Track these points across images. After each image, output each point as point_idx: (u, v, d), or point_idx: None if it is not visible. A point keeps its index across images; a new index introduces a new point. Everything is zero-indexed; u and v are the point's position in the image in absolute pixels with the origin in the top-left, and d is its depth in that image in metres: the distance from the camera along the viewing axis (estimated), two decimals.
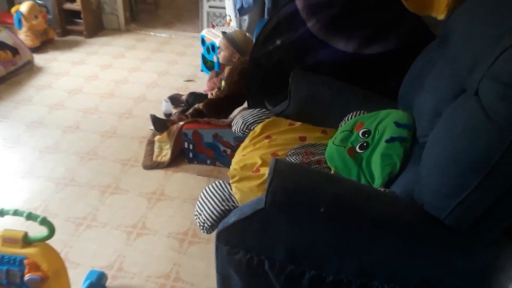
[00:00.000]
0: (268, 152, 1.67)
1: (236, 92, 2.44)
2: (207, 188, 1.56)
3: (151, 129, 2.77)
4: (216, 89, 2.80)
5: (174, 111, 2.98)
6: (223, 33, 2.69)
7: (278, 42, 1.89)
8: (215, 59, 3.39)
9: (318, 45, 1.83)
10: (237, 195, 1.48)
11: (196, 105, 2.64)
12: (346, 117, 1.81)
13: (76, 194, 2.23)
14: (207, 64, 3.61)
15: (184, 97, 3.00)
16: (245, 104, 2.38)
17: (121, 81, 3.46)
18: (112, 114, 2.98)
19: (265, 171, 1.54)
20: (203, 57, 3.60)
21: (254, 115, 1.87)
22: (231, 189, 1.52)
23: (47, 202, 2.17)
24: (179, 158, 2.53)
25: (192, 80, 3.53)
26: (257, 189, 1.48)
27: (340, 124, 1.83)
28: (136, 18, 4.81)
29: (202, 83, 3.48)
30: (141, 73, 3.61)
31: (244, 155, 1.69)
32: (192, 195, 2.26)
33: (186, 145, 2.44)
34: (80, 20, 4.20)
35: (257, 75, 2.03)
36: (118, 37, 4.37)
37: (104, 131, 2.79)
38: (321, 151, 1.70)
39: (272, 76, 2.00)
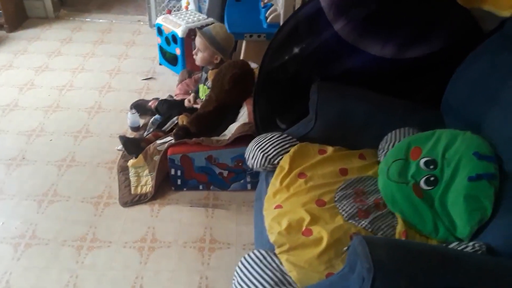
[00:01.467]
0: (311, 200, 1.30)
1: (228, 103, 2.00)
2: (246, 265, 1.17)
3: (118, 149, 2.27)
4: (192, 94, 2.33)
5: (141, 121, 2.48)
6: (199, 29, 2.19)
7: (296, 50, 1.48)
8: (177, 52, 2.87)
9: (347, 51, 1.45)
10: (293, 274, 1.11)
11: (175, 119, 2.16)
12: (388, 136, 1.48)
13: (40, 258, 1.73)
14: (167, 57, 3.07)
15: (151, 104, 2.49)
16: (243, 116, 1.95)
17: (65, 87, 2.83)
18: (64, 134, 2.40)
19: (321, 232, 1.18)
20: (161, 48, 3.06)
21: (275, 144, 1.47)
22: (281, 263, 1.15)
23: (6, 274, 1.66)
24: (163, 184, 2.08)
25: (152, 78, 2.99)
26: (318, 262, 1.12)
27: (381, 145, 1.49)
28: (65, 1, 4.04)
29: (164, 80, 2.96)
30: (87, 74, 2.98)
31: (281, 206, 1.30)
32: (190, 235, 1.84)
33: (172, 171, 1.99)
34: None
35: (267, 90, 1.61)
36: (48, 28, 3.62)
37: (59, 159, 2.22)
38: (372, 188, 1.36)
39: (287, 91, 1.61)
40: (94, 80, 2.91)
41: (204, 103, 2.06)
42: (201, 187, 2.06)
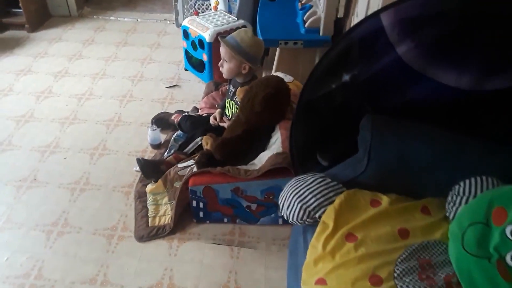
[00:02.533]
0: (364, 275, 1.02)
1: (259, 126, 1.72)
2: None
3: (137, 171, 2.04)
4: (218, 110, 2.06)
5: (163, 137, 2.24)
6: (222, 37, 1.93)
7: (346, 77, 1.18)
8: (204, 58, 2.62)
9: (410, 79, 1.13)
10: None
11: (199, 140, 1.91)
12: (461, 187, 1.16)
13: None
14: (192, 61, 2.83)
15: (174, 119, 2.25)
16: (276, 144, 1.67)
17: (84, 95, 2.63)
18: (80, 151, 2.19)
19: None
20: (187, 53, 2.81)
21: (316, 192, 1.18)
22: None
23: None
24: (183, 214, 1.83)
25: (176, 85, 2.75)
26: None
27: (450, 197, 1.19)
28: None
29: (190, 88, 2.71)
30: (108, 81, 2.77)
31: (324, 282, 1.03)
32: (212, 280, 1.59)
33: (194, 203, 1.75)
34: (19, 10, 3.24)
35: (307, 121, 1.33)
36: (70, 28, 3.44)
37: (73, 181, 2.02)
38: (441, 259, 1.06)
39: (331, 122, 1.32)
40: (115, 88, 2.70)
41: (231, 125, 1.79)
42: (226, 220, 1.81)
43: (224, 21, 2.62)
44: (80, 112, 2.48)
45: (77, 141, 2.26)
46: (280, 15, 2.43)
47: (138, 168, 2.04)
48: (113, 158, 2.17)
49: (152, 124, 2.27)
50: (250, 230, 1.80)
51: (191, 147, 1.94)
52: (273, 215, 1.78)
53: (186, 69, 2.89)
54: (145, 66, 2.95)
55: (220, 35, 2.01)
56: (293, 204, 1.21)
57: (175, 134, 2.24)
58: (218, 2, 2.79)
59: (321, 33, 2.21)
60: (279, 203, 1.28)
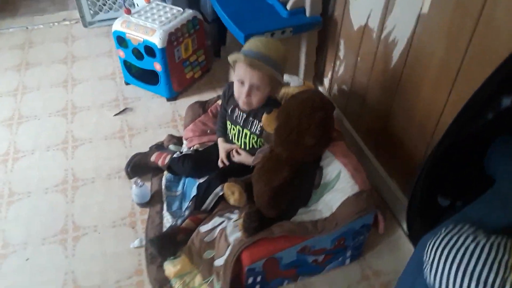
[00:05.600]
0: None
1: (307, 160, 1.28)
2: None
3: (136, 247, 1.51)
4: (222, 144, 1.56)
5: (148, 185, 1.68)
6: (247, 57, 1.30)
7: (507, 101, 0.81)
8: (158, 68, 2.01)
9: None
10: None
11: (219, 191, 1.42)
12: None
13: None
14: (134, 72, 2.20)
15: (156, 161, 1.69)
16: (343, 179, 1.25)
17: (3, 157, 1.89)
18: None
19: None
20: (125, 63, 2.16)
21: (490, 262, 0.85)
22: None
23: None
24: None
25: (127, 109, 2.11)
26: None
27: None
28: None
29: (145, 108, 2.10)
30: (30, 126, 2.00)
31: None
32: None
33: (250, 280, 1.31)
34: None
35: (442, 166, 0.94)
36: None
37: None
38: None
39: (469, 164, 0.96)
40: (46, 134, 1.97)
41: (265, 165, 1.32)
42: (286, 282, 1.41)
43: (169, 15, 2.02)
44: (14, 171, 1.77)
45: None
46: (245, 1, 1.92)
47: (138, 244, 1.51)
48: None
49: (130, 177, 1.70)
50: (317, 284, 1.43)
51: (210, 201, 1.44)
52: (340, 258, 1.42)
53: (127, 83, 2.25)
54: (72, 92, 2.23)
55: (243, 57, 1.31)
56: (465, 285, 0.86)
57: (164, 181, 1.70)
58: None
59: (308, 14, 1.77)
60: (427, 281, 0.92)
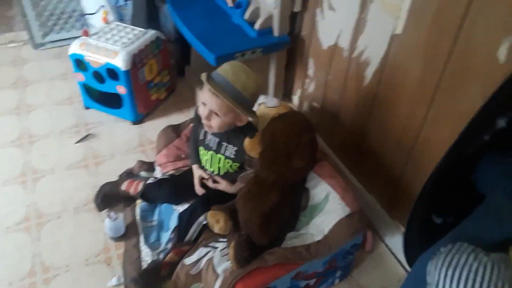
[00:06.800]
0: None
1: (294, 183, 1.24)
2: None
3: (114, 286, 1.39)
4: (197, 171, 1.48)
5: (121, 215, 1.56)
6: (209, 80, 1.26)
7: (502, 122, 0.81)
8: (121, 91, 1.90)
9: None
10: None
11: (202, 219, 1.34)
12: None
13: None
14: (93, 95, 2.06)
15: (127, 189, 1.57)
16: (332, 201, 1.23)
17: None
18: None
19: None
20: (85, 86, 2.02)
21: (495, 281, 0.86)
22: None
23: None
24: None
25: (89, 135, 1.97)
26: None
27: None
28: None
29: (109, 134, 1.98)
30: None
31: None
32: None
33: None
34: None
35: (437, 187, 0.94)
36: None
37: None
38: None
39: (460, 182, 0.96)
40: (1, 167, 1.79)
41: (252, 191, 1.27)
42: None
43: (131, 36, 1.92)
44: None
45: None
46: (210, 19, 1.86)
47: (116, 282, 1.39)
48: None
49: (100, 209, 1.58)
50: None
51: (193, 231, 1.36)
52: (330, 279, 1.40)
53: (87, 107, 2.11)
54: (26, 119, 2.05)
55: (206, 81, 1.26)
56: None
57: (139, 210, 1.59)
58: (107, 12, 2.03)
59: (276, 33, 1.76)
60: None
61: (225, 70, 1.29)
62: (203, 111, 1.32)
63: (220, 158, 1.44)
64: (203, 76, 1.28)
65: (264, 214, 1.21)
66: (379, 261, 1.50)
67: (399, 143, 1.40)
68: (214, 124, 1.31)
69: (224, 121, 1.30)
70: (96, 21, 2.20)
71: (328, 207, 1.25)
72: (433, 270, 0.94)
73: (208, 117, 1.31)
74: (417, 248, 1.09)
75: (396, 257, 1.51)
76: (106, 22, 2.01)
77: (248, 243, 1.20)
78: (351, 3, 1.43)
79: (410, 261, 1.13)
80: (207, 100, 1.29)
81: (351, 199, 1.24)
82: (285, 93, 2.02)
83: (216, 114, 1.29)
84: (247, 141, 1.28)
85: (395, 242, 1.51)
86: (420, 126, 1.29)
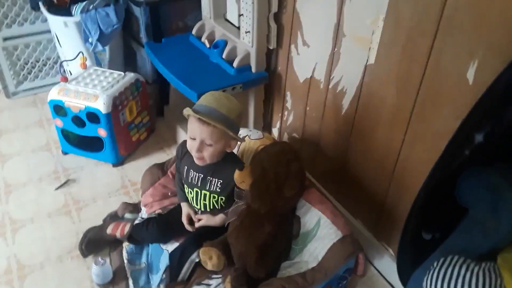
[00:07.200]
0: None
1: (285, 211, 1.26)
2: None
3: None
4: (186, 208, 1.47)
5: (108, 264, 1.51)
6: (196, 111, 1.28)
7: (479, 137, 0.87)
8: (102, 133, 1.90)
9: None
10: None
11: (195, 257, 1.32)
12: None
13: None
14: (71, 140, 2.04)
15: (113, 233, 1.54)
16: (323, 227, 1.23)
17: None
18: None
19: None
20: (64, 132, 2.00)
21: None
22: None
23: None
24: None
25: (69, 180, 1.93)
26: None
27: None
28: None
29: (90, 178, 1.95)
30: None
31: None
32: None
33: None
34: None
35: (425, 205, 0.97)
36: None
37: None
38: None
39: (445, 198, 1.00)
40: None
41: (250, 225, 1.27)
42: None
43: (110, 80, 1.94)
44: None
45: None
46: (189, 60, 1.91)
47: None
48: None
49: (84, 255, 1.53)
50: None
51: (186, 270, 1.33)
52: None
53: (65, 153, 2.07)
54: (1, 169, 1.99)
55: (194, 114, 1.28)
56: None
57: (126, 254, 1.55)
58: (86, 58, 2.05)
59: (253, 70, 1.83)
60: None
61: (207, 99, 1.32)
62: (193, 145, 1.32)
63: (205, 194, 1.44)
64: (188, 110, 1.31)
65: (259, 246, 1.21)
66: (370, 285, 1.51)
67: (380, 167, 1.45)
68: (207, 155, 1.32)
69: (216, 149, 1.31)
70: (72, 67, 2.21)
71: (320, 233, 1.27)
72: (429, 284, 0.97)
73: (200, 149, 1.31)
74: (409, 267, 1.11)
75: (386, 280, 1.52)
76: (84, 67, 2.02)
77: (244, 276, 1.20)
78: (324, 39, 1.52)
79: (404, 280, 1.15)
80: (196, 132, 1.30)
81: (342, 223, 1.27)
82: (265, 126, 2.07)
83: (208, 144, 1.30)
84: (237, 174, 1.30)
85: (384, 264, 1.53)
86: (398, 149, 1.35)
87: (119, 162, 2.02)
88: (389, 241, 1.51)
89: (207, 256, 1.31)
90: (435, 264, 1.00)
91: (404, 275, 1.13)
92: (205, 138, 1.29)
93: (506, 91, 0.83)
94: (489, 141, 0.90)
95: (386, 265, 1.51)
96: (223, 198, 1.44)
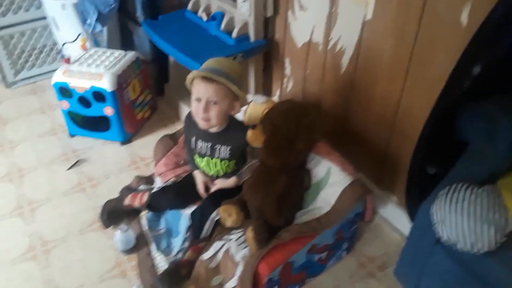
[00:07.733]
0: None
1: (298, 164, 1.34)
2: None
3: None
4: (199, 176, 1.53)
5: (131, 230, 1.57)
6: (203, 71, 1.34)
7: (477, 69, 0.94)
8: (109, 112, 1.94)
9: None
10: None
11: (215, 215, 1.39)
12: None
13: None
14: (77, 121, 2.08)
15: (132, 203, 1.59)
16: (334, 175, 1.32)
17: None
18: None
19: None
20: (70, 114, 2.04)
21: (495, 206, 0.98)
22: None
23: None
24: None
25: (79, 161, 1.98)
26: None
27: None
28: None
29: (100, 156, 2.00)
30: None
31: None
32: None
33: None
34: None
35: (429, 139, 1.04)
36: None
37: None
38: None
39: (447, 132, 1.07)
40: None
41: (258, 179, 1.34)
42: (297, 287, 1.42)
43: (112, 59, 1.98)
44: None
45: None
46: (188, 34, 1.95)
47: None
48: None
49: (107, 226, 1.59)
50: (323, 282, 1.46)
51: (208, 227, 1.41)
52: (338, 253, 1.48)
53: (73, 135, 2.12)
54: (11, 155, 2.03)
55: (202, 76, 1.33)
56: (480, 229, 0.97)
57: (145, 221, 1.61)
58: (85, 40, 2.08)
59: (252, 39, 1.88)
60: (443, 239, 1.02)
61: (209, 63, 1.39)
62: (199, 107, 1.37)
63: (216, 162, 1.50)
64: (192, 72, 1.36)
65: (278, 197, 1.28)
66: (377, 231, 1.61)
67: (381, 119, 1.53)
68: (213, 114, 1.36)
69: (221, 108, 1.36)
70: (72, 51, 2.23)
71: (331, 180, 1.34)
72: (438, 209, 1.05)
73: (206, 109, 1.35)
74: (417, 202, 1.20)
75: (391, 225, 1.61)
76: (85, 49, 2.05)
77: (266, 225, 1.27)
78: (321, 1, 1.58)
79: (412, 214, 1.23)
80: (201, 92, 1.35)
81: (352, 169, 1.34)
82: (265, 95, 2.13)
83: (213, 102, 1.35)
84: (250, 133, 1.36)
85: (389, 211, 1.62)
86: (398, 98, 1.43)
87: (126, 140, 2.07)
88: (393, 189, 1.60)
89: (227, 214, 1.37)
90: (441, 192, 1.08)
91: (412, 210, 1.21)
92: (211, 96, 1.34)
93: (500, 21, 0.91)
94: (486, 71, 0.98)
95: (391, 211, 1.61)
96: (234, 161, 1.51)
